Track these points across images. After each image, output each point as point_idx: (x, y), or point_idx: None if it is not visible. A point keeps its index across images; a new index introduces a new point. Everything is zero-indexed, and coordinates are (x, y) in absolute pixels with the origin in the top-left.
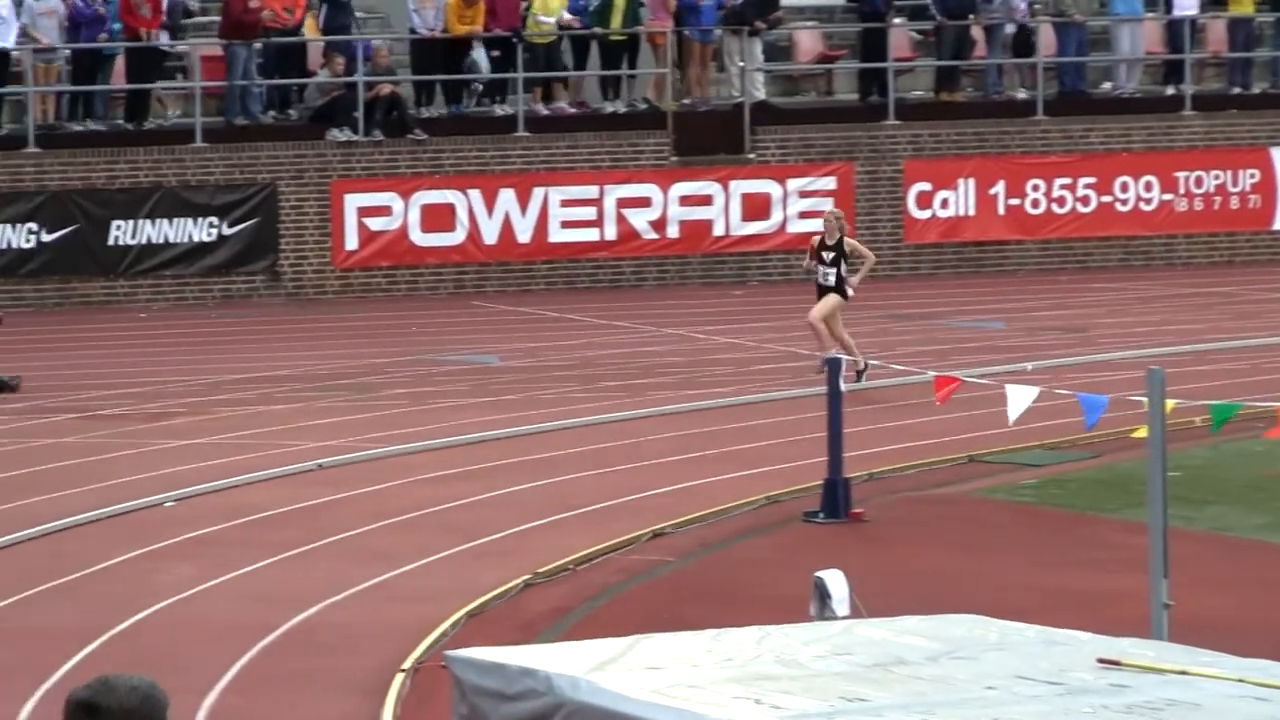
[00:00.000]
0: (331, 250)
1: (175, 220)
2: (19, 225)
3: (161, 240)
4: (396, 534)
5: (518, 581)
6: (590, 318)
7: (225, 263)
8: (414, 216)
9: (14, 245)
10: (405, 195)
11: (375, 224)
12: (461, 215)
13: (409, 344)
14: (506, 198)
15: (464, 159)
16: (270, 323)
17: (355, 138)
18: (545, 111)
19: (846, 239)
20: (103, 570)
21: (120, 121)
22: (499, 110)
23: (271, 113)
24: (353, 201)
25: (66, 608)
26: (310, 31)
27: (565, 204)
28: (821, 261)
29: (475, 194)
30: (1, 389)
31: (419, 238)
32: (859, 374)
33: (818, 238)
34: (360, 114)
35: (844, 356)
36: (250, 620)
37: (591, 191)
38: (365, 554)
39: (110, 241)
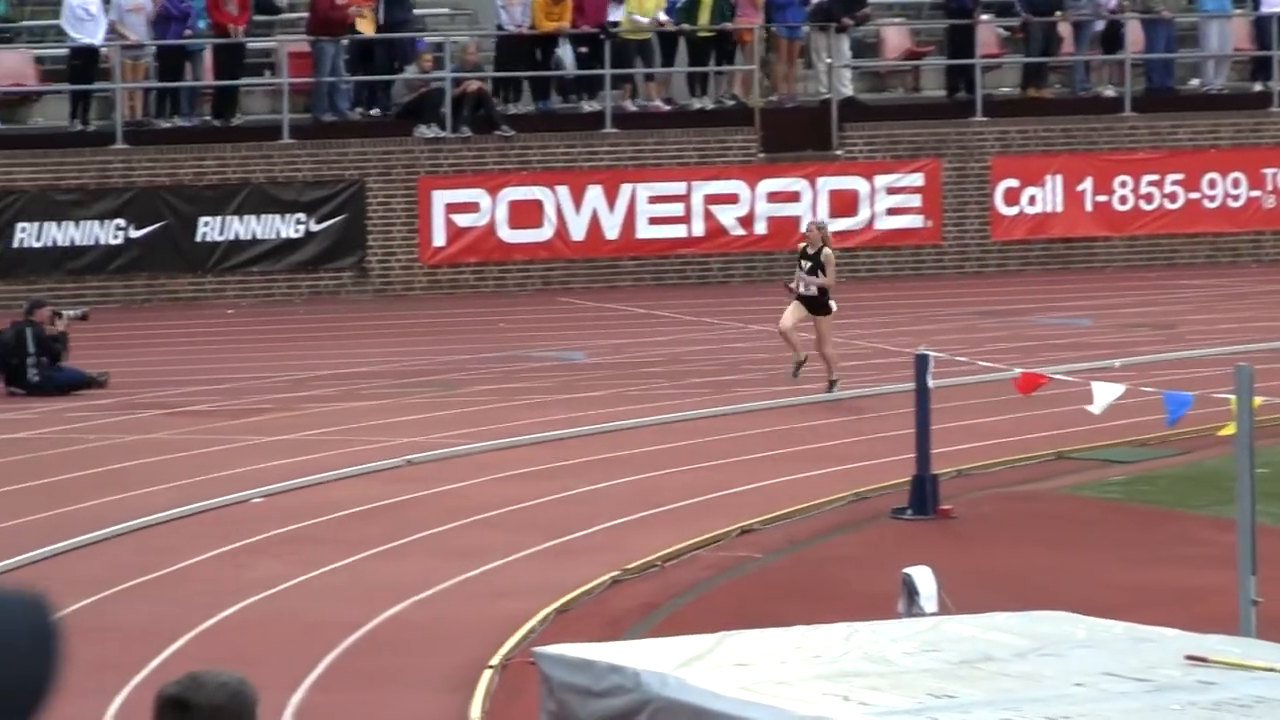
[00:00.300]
0: (419, 246)
1: (263, 217)
2: (107, 222)
3: (249, 237)
4: (484, 530)
5: (606, 578)
6: (677, 314)
7: (313, 259)
8: (501, 213)
9: (102, 242)
10: (493, 191)
11: (463, 220)
12: (549, 211)
13: (496, 340)
14: (594, 194)
15: (552, 155)
16: (357, 319)
17: (443, 134)
18: (633, 108)
19: (825, 251)
20: (190, 566)
21: (208, 118)
22: (586, 107)
23: (359, 109)
24: (440, 198)
25: (154, 604)
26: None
27: (653, 200)
28: (801, 271)
29: (563, 190)
30: (89, 385)
31: (506, 234)
32: (829, 382)
33: (801, 244)
34: (448, 110)
35: (929, 352)
36: (337, 617)
37: (679, 188)
38: (452, 550)
39: (198, 238)
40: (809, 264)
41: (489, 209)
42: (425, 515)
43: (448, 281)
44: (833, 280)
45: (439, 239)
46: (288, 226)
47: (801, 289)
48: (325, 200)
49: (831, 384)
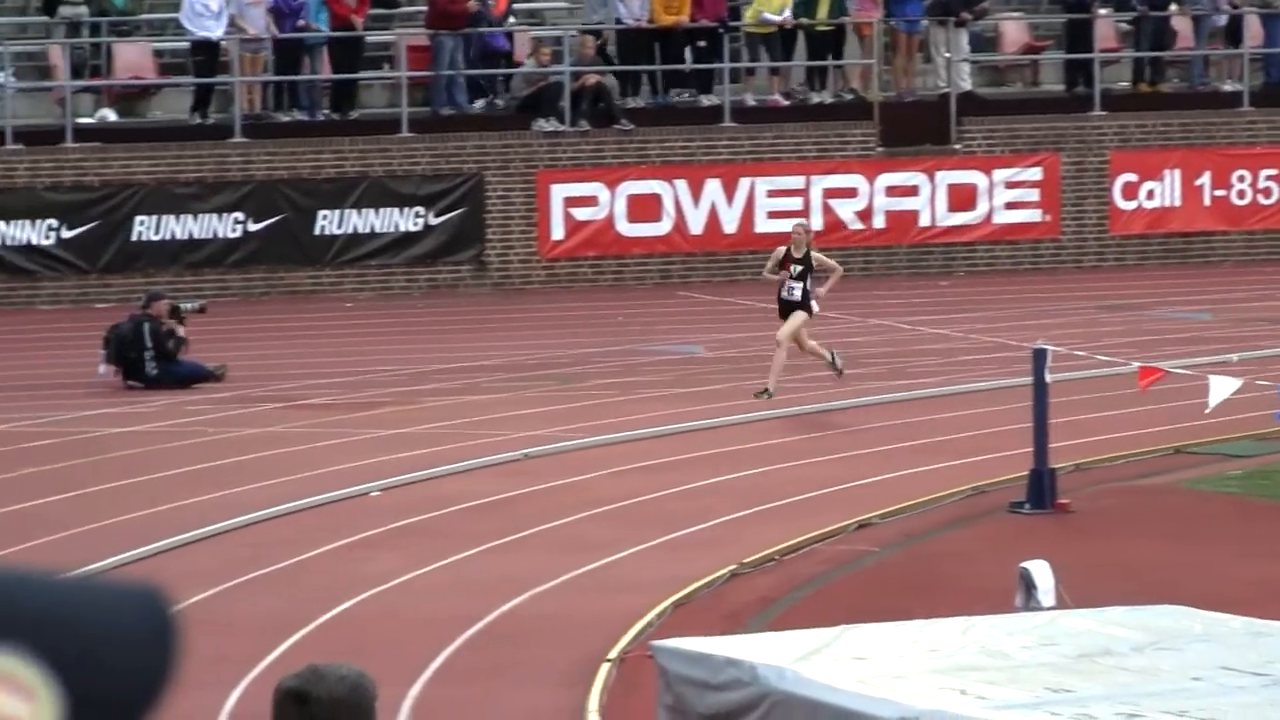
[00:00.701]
0: (537, 240)
1: (381, 210)
2: (225, 215)
3: (367, 230)
4: (602, 524)
5: (724, 571)
6: None
7: (431, 252)
8: (620, 207)
9: (220, 235)
10: (611, 185)
11: (581, 214)
12: (668, 205)
13: (614, 334)
14: (713, 188)
15: (670, 149)
16: (476, 312)
17: (561, 128)
18: (752, 102)
19: (814, 252)
20: (307, 560)
21: (327, 111)
22: (705, 101)
23: (478, 103)
24: (559, 191)
25: (272, 597)
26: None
27: (771, 194)
28: (787, 274)
29: (681, 184)
30: (208, 379)
31: (625, 228)
32: (836, 369)
33: (782, 249)
34: (567, 104)
35: (1047, 346)
36: (455, 610)
37: (798, 182)
38: (570, 544)
39: (316, 231)
40: (798, 267)
41: (607, 203)
42: (542, 509)
43: (566, 275)
44: (839, 269)
45: (557, 233)
46: (406, 220)
47: (785, 294)
48: (444, 194)
49: (764, 392)
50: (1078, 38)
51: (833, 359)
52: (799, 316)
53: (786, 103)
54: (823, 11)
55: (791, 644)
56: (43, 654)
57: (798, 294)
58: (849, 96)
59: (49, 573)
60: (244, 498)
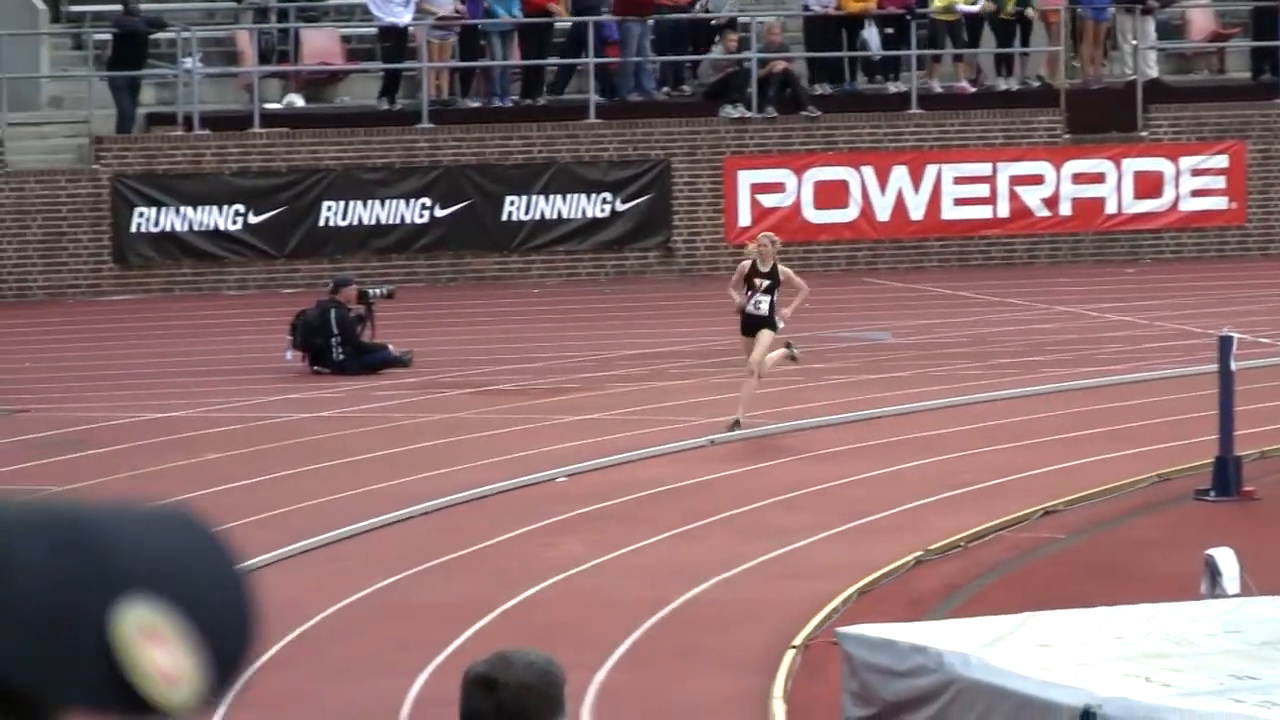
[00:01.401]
0: (724, 226)
1: (569, 196)
2: (413, 200)
3: (555, 216)
4: (787, 510)
5: (909, 558)
6: (982, 295)
7: (619, 239)
8: (807, 193)
9: (408, 220)
10: (798, 172)
11: (768, 200)
12: (855, 192)
13: (801, 320)
14: (899, 175)
15: (857, 136)
16: (662, 298)
17: (749, 114)
18: (939, 89)
19: (781, 266)
20: (495, 545)
21: (515, 97)
22: (892, 88)
23: (665, 89)
24: (746, 178)
25: (459, 582)
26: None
27: (958, 181)
28: (753, 289)
29: (868, 170)
30: (395, 364)
31: (812, 214)
32: (734, 424)
33: (748, 263)
34: (754, 91)
35: (1233, 334)
36: (641, 596)
37: (984, 169)
38: (756, 530)
39: (504, 217)
40: (765, 282)
41: (794, 189)
42: (728, 495)
43: None
44: (806, 288)
45: (744, 219)
46: (593, 206)
47: (751, 308)
48: (631, 180)
49: (735, 423)
50: (1265, 25)
51: (790, 350)
52: (767, 336)
53: (973, 90)
54: None
55: (976, 631)
56: (172, 601)
57: (765, 308)
58: (1035, 84)
59: (122, 506)
60: (430, 483)
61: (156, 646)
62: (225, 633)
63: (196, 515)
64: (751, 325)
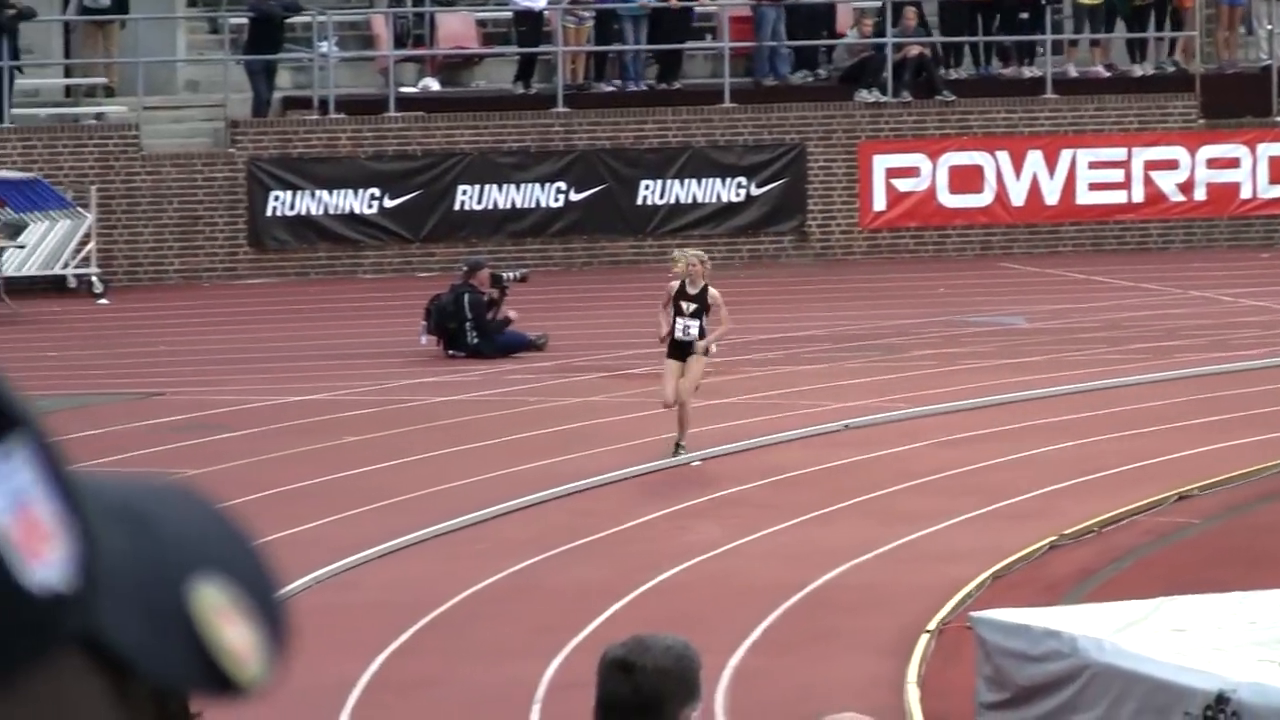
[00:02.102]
0: (859, 211)
1: (703, 180)
2: (548, 184)
3: (689, 200)
4: (922, 495)
5: (1043, 543)
6: (1116, 280)
7: (753, 223)
8: (942, 177)
9: (543, 204)
10: (933, 156)
11: (903, 185)
12: (989, 177)
13: (936, 305)
14: (1034, 159)
15: (992, 120)
16: (797, 283)
17: (884, 99)
18: (1074, 73)
19: (711, 290)
20: (629, 529)
21: (650, 81)
22: (1027, 72)
23: (800, 73)
24: (881, 162)
25: (594, 566)
26: None
27: (1093, 166)
28: (680, 313)
29: (1003, 155)
30: (529, 348)
31: (947, 199)
32: (676, 447)
33: (675, 284)
34: (889, 75)
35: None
36: (775, 580)
37: (1119, 154)
38: (890, 515)
39: (638, 201)
40: (691, 305)
41: (929, 174)
42: (863, 480)
43: (887, 246)
44: (728, 325)
45: (879, 203)
46: (728, 190)
47: (680, 333)
48: (765, 164)
49: (678, 447)
50: None
51: (678, 437)
52: (699, 367)
53: (1108, 74)
54: None
55: (1110, 616)
56: (225, 579)
57: (695, 333)
58: (1170, 69)
59: (139, 481)
60: (565, 467)
61: (229, 624)
62: (270, 608)
63: (198, 489)
64: (681, 351)
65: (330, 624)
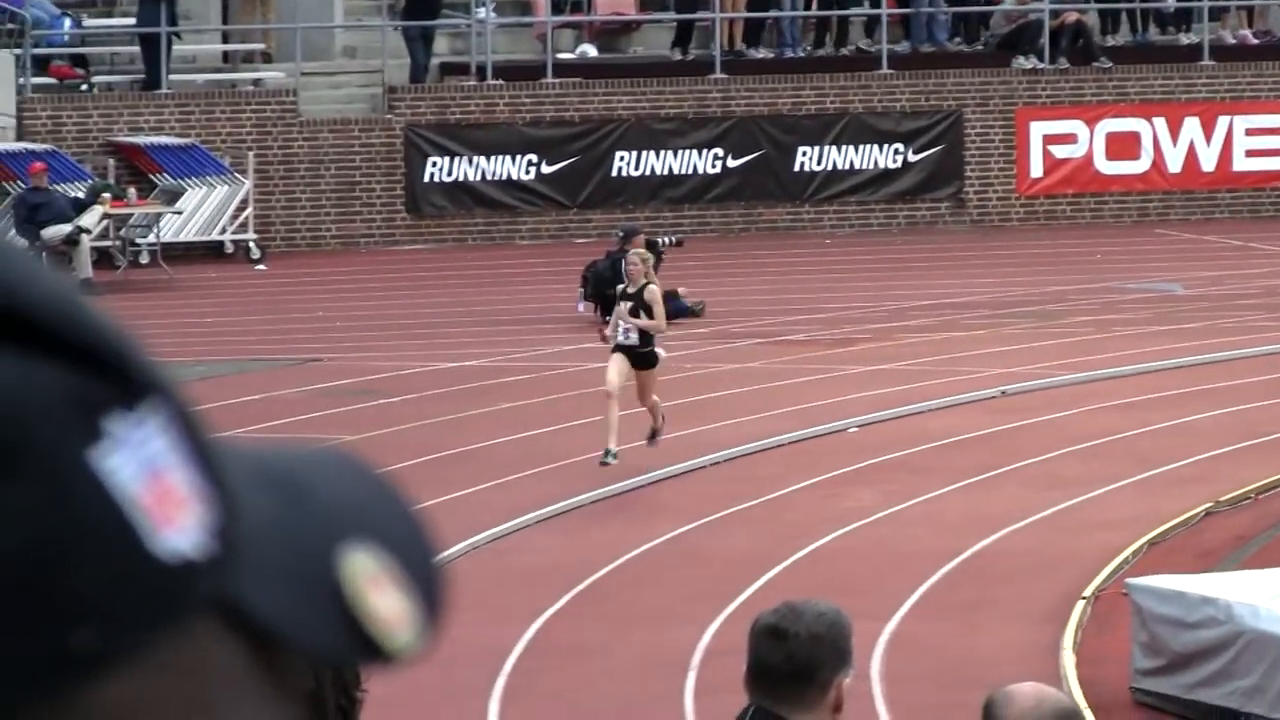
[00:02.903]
0: (1016, 178)
1: (860, 147)
2: (705, 151)
3: (847, 167)
4: (1078, 461)
5: (1199, 509)
6: (1273, 246)
7: (910, 189)
8: (1099, 144)
9: (700, 170)
10: (1090, 123)
11: (1060, 152)
12: (1146, 143)
13: (1093, 271)
14: (1191, 126)
15: (1149, 87)
16: (954, 249)
17: (1041, 65)
18: (1231, 40)
19: (650, 289)
20: (785, 496)
21: (807, 47)
22: (1184, 39)
23: (957, 39)
24: (1038, 129)
25: (749, 533)
26: None
27: (1250, 133)
28: (619, 314)
29: (1160, 122)
30: (686, 314)
31: (1104, 165)
32: (653, 434)
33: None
34: (1046, 41)
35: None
36: (931, 547)
37: (1276, 121)
38: (1047, 481)
39: (795, 167)
40: (629, 304)
41: (1086, 140)
42: (1020, 446)
43: (1044, 212)
44: (663, 324)
45: (1036, 170)
46: (885, 157)
47: (621, 337)
48: (923, 131)
49: (654, 433)
50: None
51: (653, 423)
52: (651, 379)
53: (1256, 41)
54: None
55: (1266, 582)
56: (378, 546)
57: (635, 337)
58: None
59: (294, 448)
60: (722, 433)
61: (379, 591)
62: (426, 575)
63: (359, 456)
64: (627, 351)
65: (488, 589)
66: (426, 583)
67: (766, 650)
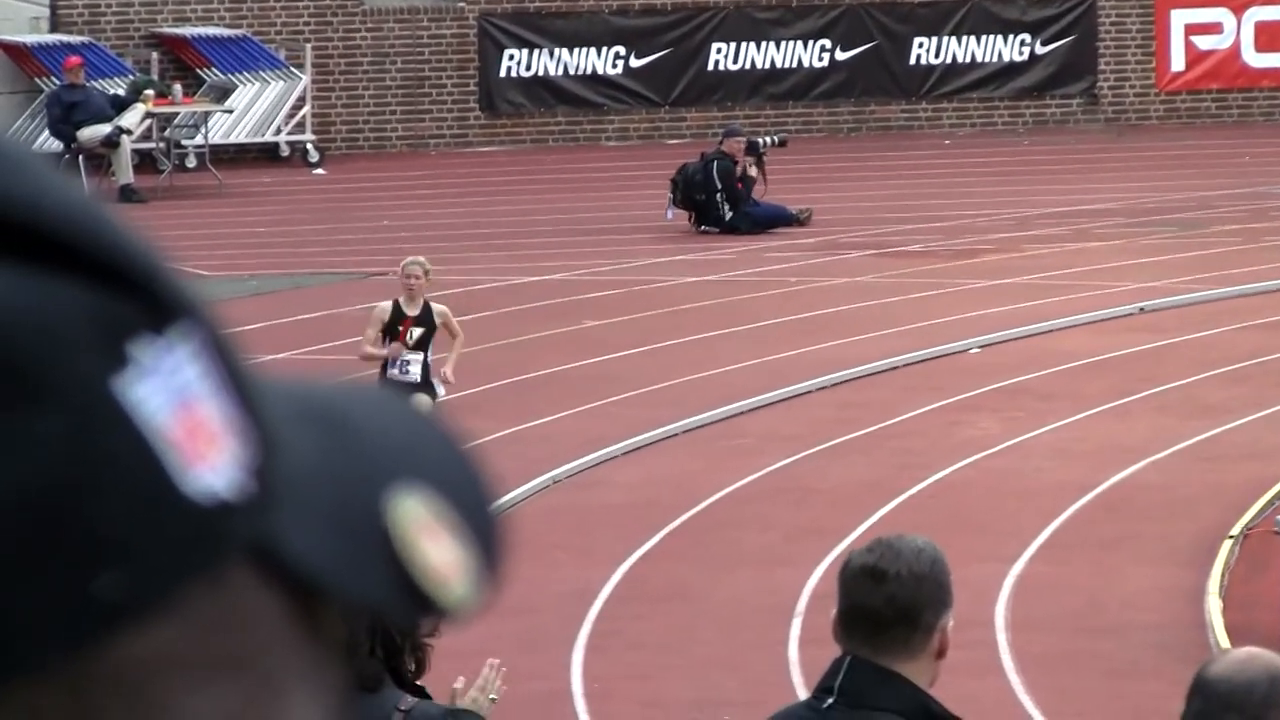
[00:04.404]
0: (1155, 72)
1: (983, 38)
2: (811, 42)
3: (967, 60)
4: (1225, 385)
5: None
6: None
7: (1038, 85)
8: (1247, 34)
9: (806, 64)
10: (1237, 11)
11: (1204, 43)
12: None
13: (1240, 175)
14: None
15: None
16: (1086, 151)
17: None
18: None
19: (436, 306)
20: (898, 424)
21: None
22: None
23: None
24: (1179, 18)
25: (860, 463)
26: None
27: None
28: (403, 345)
29: None
30: (790, 223)
31: (1252, 58)
32: None
33: (387, 305)
34: None
35: None
36: (1061, 480)
37: None
38: (1190, 407)
39: (911, 61)
40: (416, 331)
41: (1233, 30)
42: (1159, 368)
43: (1186, 110)
44: (461, 335)
45: (1177, 63)
46: (1010, 49)
47: (398, 372)
48: (1052, 20)
49: None
50: None
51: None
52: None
53: None
54: None
55: None
56: (434, 492)
57: (416, 371)
58: None
59: (346, 385)
60: (830, 354)
61: (432, 540)
62: (483, 523)
63: (409, 397)
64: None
65: (570, 529)
66: (484, 531)
67: (864, 593)
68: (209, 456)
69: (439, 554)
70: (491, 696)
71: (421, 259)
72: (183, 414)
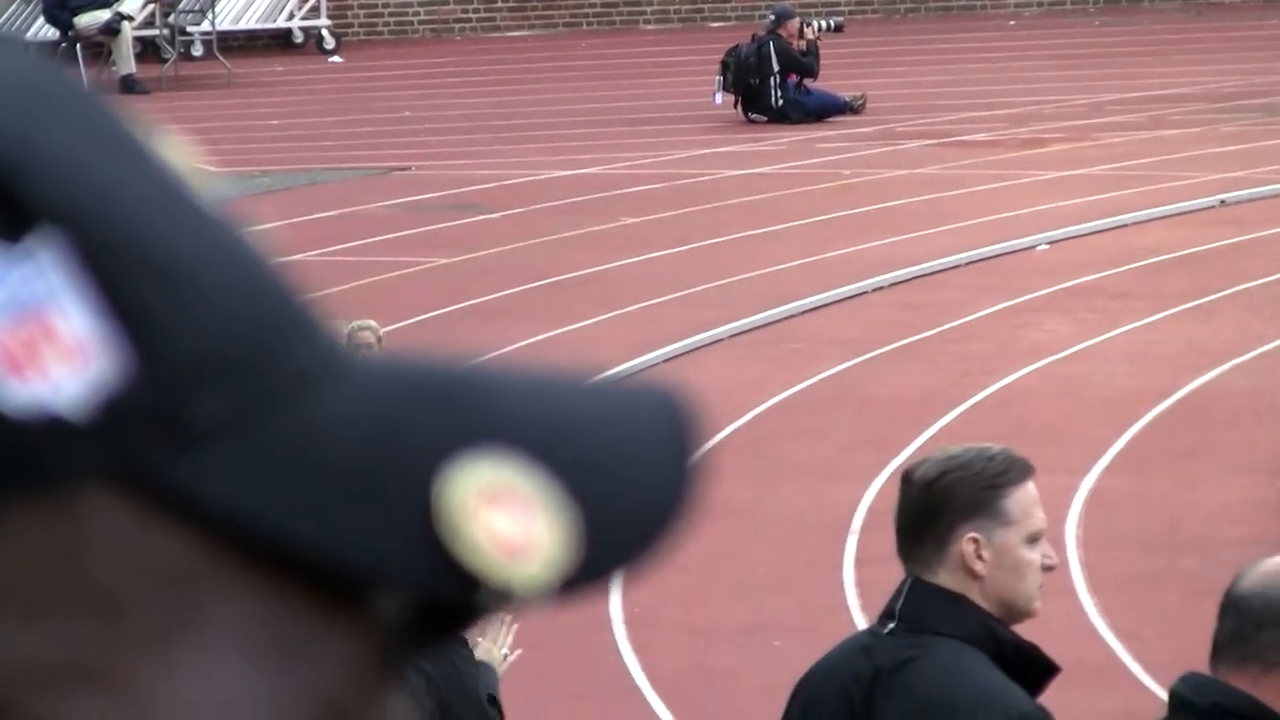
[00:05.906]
0: None
1: None
2: None
3: None
4: None
5: None
6: None
7: None
8: None
9: None
10: None
11: None
12: None
13: None
14: None
15: None
16: (1162, 31)
17: None
18: None
19: None
20: (963, 326)
21: None
22: None
23: None
24: None
25: (921, 369)
26: None
27: None
28: None
29: None
30: (844, 110)
31: None
32: None
33: None
34: None
35: None
36: (1137, 385)
37: None
38: (1276, 306)
39: None
40: None
41: None
42: (1243, 265)
43: None
44: None
45: None
46: None
47: None
48: None
49: None
50: None
51: None
52: None
53: None
54: None
55: None
56: (547, 463)
57: None
58: None
59: (543, 372)
60: (888, 252)
61: (501, 510)
62: (630, 513)
63: (661, 393)
64: None
65: None
66: (626, 522)
67: (897, 502)
68: (46, 368)
69: (506, 526)
70: (504, 651)
71: (372, 322)
72: (18, 323)
